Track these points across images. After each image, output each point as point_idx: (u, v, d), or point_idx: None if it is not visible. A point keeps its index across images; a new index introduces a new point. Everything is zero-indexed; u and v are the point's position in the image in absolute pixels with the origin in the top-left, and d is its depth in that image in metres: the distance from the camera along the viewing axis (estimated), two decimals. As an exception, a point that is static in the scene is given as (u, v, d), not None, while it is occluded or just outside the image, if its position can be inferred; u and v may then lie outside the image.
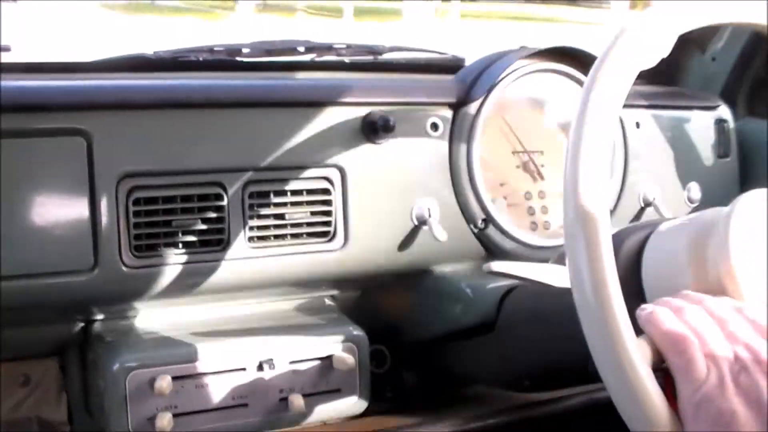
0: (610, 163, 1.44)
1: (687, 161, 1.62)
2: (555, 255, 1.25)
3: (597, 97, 0.79)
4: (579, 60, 1.46)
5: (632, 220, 1.55)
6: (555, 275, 1.16)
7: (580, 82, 1.46)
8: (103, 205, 1.21)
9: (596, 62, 0.82)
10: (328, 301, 1.46)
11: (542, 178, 1.49)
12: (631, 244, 0.99)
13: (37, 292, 1.22)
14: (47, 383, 1.42)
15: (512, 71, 1.44)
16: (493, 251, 1.45)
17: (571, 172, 0.78)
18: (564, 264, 1.06)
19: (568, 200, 0.78)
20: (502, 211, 1.44)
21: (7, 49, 1.37)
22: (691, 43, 1.78)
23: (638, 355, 0.74)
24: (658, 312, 0.80)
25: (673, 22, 0.83)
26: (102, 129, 1.21)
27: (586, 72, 1.44)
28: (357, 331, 1.35)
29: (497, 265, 1.22)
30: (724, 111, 1.68)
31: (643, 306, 0.82)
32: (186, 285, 1.28)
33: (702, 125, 1.65)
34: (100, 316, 1.33)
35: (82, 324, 1.34)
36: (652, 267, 0.96)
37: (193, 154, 1.26)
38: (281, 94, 1.36)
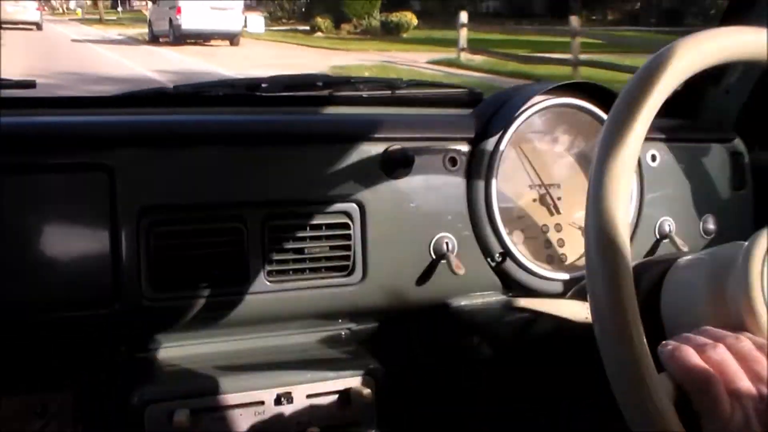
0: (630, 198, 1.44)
1: (702, 193, 1.62)
2: (574, 289, 1.25)
3: (619, 133, 0.80)
4: (597, 95, 1.47)
5: (648, 252, 1.55)
6: (575, 310, 1.16)
7: (597, 117, 1.47)
8: (125, 238, 1.22)
9: (619, 98, 0.82)
10: (345, 334, 1.46)
11: (558, 211, 1.49)
12: (649, 278, 1.00)
13: (57, 325, 1.24)
14: (64, 414, 1.42)
15: (530, 106, 1.45)
16: (510, 284, 1.46)
17: (593, 207, 0.78)
18: (583, 299, 1.06)
19: (589, 236, 0.78)
20: (519, 245, 1.45)
21: (32, 84, 1.39)
22: (705, 76, 1.78)
23: (661, 392, 0.74)
24: (680, 349, 0.80)
25: (694, 58, 0.83)
26: (124, 164, 1.23)
27: (604, 107, 1.46)
28: (374, 365, 1.36)
29: (518, 302, 1.22)
30: (738, 143, 1.69)
31: (665, 342, 0.82)
32: (205, 318, 1.29)
33: (717, 158, 1.66)
34: (121, 349, 1.34)
35: (100, 355, 1.34)
36: (671, 301, 0.96)
37: (214, 189, 1.27)
38: (301, 130, 1.37)
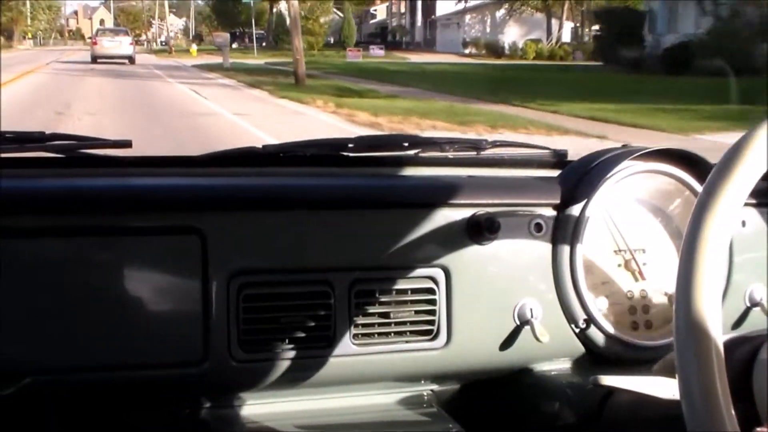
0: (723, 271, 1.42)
1: None
2: (659, 364, 1.22)
3: (714, 207, 0.78)
4: (688, 163, 1.46)
5: (738, 320, 1.52)
6: (661, 387, 1.14)
7: (686, 184, 1.45)
8: (215, 301, 1.26)
9: (716, 169, 0.80)
10: (427, 396, 1.47)
11: (644, 277, 1.48)
12: (741, 355, 0.97)
13: (148, 383, 1.27)
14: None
15: (618, 171, 1.44)
16: (593, 351, 1.45)
17: (684, 280, 0.77)
18: (670, 375, 1.04)
19: (679, 312, 0.77)
20: (603, 311, 1.43)
21: (128, 144, 1.44)
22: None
23: None
24: None
25: None
26: (215, 227, 1.26)
27: (694, 175, 1.44)
28: (456, 428, 1.36)
29: (604, 379, 1.21)
30: None
31: (759, 429, 0.81)
32: (291, 379, 1.31)
33: None
34: (207, 405, 1.37)
35: (188, 410, 1.37)
36: (763, 380, 0.94)
37: (302, 253, 1.30)
38: (387, 195, 1.39)
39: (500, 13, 52.17)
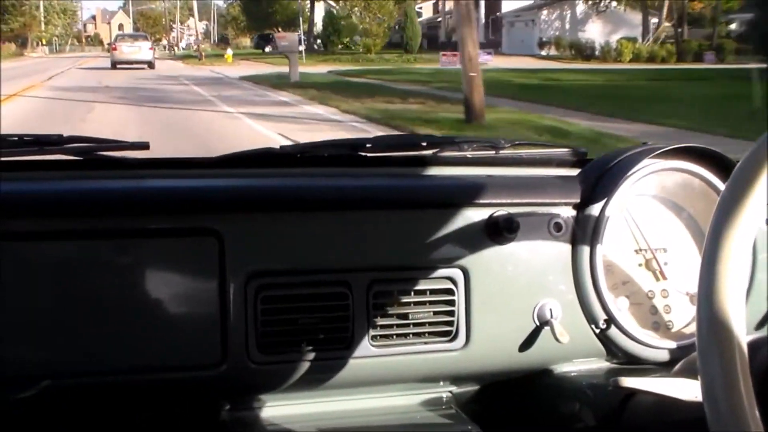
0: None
1: None
2: (681, 365, 1.21)
3: (737, 206, 0.77)
4: (710, 161, 1.44)
5: (761, 321, 1.50)
6: (684, 389, 1.13)
7: (708, 182, 1.44)
8: (233, 302, 1.25)
9: (739, 167, 0.78)
10: (446, 398, 1.46)
11: (665, 276, 1.46)
12: (765, 355, 0.96)
13: (166, 386, 1.27)
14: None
15: (638, 170, 1.43)
16: (614, 352, 1.43)
17: (707, 280, 0.75)
18: (692, 376, 1.03)
19: (701, 311, 0.76)
20: (624, 311, 1.42)
21: (145, 146, 1.44)
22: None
23: None
24: None
25: None
26: (232, 229, 1.26)
27: (716, 172, 1.43)
28: (475, 429, 1.35)
29: (625, 381, 1.20)
30: None
31: None
32: (309, 380, 1.31)
33: None
34: (225, 407, 1.37)
35: (206, 413, 1.37)
36: None
37: (320, 254, 1.30)
38: (406, 195, 1.38)
39: (581, 9, 44.83)
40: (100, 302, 1.22)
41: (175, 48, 74.90)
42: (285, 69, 22.34)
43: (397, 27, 45.53)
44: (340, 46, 43.84)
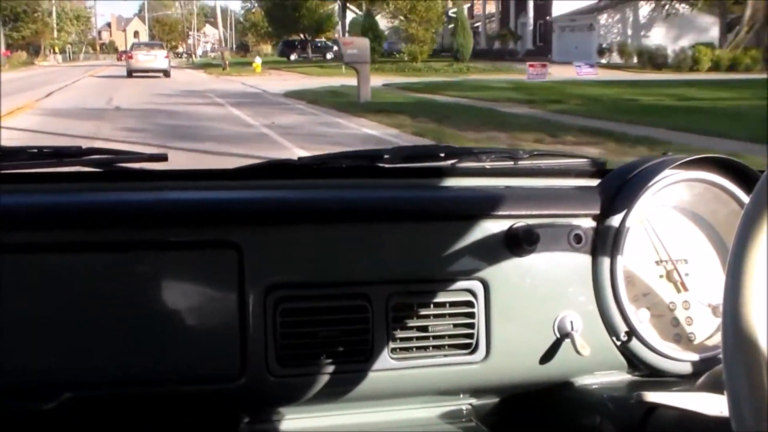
0: None
1: None
2: (705, 378, 1.20)
3: (763, 215, 0.75)
4: (732, 171, 1.42)
5: None
6: (709, 404, 1.12)
7: (730, 192, 1.42)
8: (252, 315, 1.25)
9: (764, 178, 0.77)
10: (466, 410, 1.45)
11: (686, 288, 1.45)
12: None
13: (185, 398, 1.27)
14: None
15: (658, 180, 1.41)
16: (635, 364, 1.42)
17: (731, 293, 0.74)
18: (717, 390, 1.02)
19: (727, 324, 0.75)
20: (645, 323, 1.41)
21: (164, 158, 1.44)
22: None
23: None
24: None
25: None
26: (252, 241, 1.26)
27: (739, 183, 1.41)
28: None
29: (647, 395, 1.19)
30: None
31: None
32: (329, 394, 1.30)
33: None
34: (245, 419, 1.36)
35: (226, 425, 1.37)
36: None
37: (340, 267, 1.29)
38: (425, 207, 1.37)
39: (644, 12, 39.42)
40: (120, 314, 1.22)
41: (193, 56, 72.67)
42: (327, 81, 19.63)
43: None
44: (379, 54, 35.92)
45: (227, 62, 40.31)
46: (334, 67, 33.45)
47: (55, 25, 71.95)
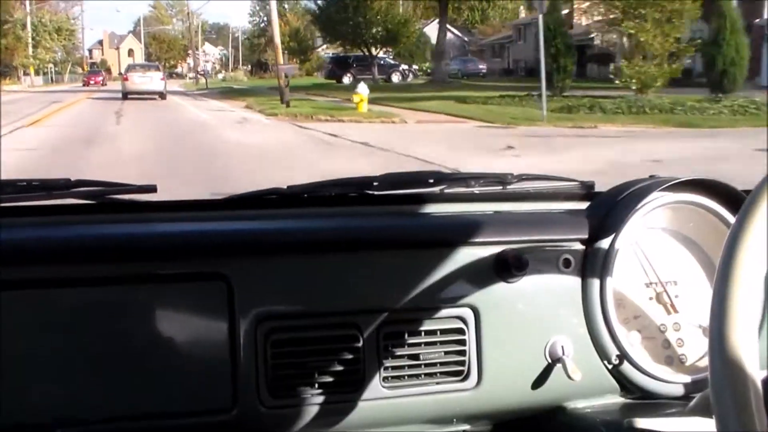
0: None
1: None
2: (695, 402, 1.20)
3: (748, 236, 0.76)
4: (719, 193, 1.43)
5: None
6: (699, 428, 1.12)
7: (716, 214, 1.43)
8: (243, 347, 1.25)
9: (748, 200, 0.78)
10: None
11: (676, 310, 1.45)
12: None
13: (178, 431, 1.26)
14: None
15: (647, 203, 1.42)
16: (627, 387, 1.42)
17: (718, 315, 0.75)
18: (706, 414, 1.02)
19: (714, 348, 0.75)
20: (636, 346, 1.41)
21: (153, 189, 1.44)
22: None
23: None
24: None
25: None
26: (241, 273, 1.26)
27: (725, 205, 1.42)
28: None
29: (640, 422, 1.19)
30: None
31: None
32: (321, 424, 1.30)
33: None
34: None
35: None
36: None
37: (330, 296, 1.29)
38: (414, 235, 1.38)
39: None
40: (109, 349, 1.21)
41: (205, 76, 52.35)
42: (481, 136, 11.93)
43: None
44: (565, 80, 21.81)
45: (287, 91, 22.74)
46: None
47: (30, 41, 57.37)
